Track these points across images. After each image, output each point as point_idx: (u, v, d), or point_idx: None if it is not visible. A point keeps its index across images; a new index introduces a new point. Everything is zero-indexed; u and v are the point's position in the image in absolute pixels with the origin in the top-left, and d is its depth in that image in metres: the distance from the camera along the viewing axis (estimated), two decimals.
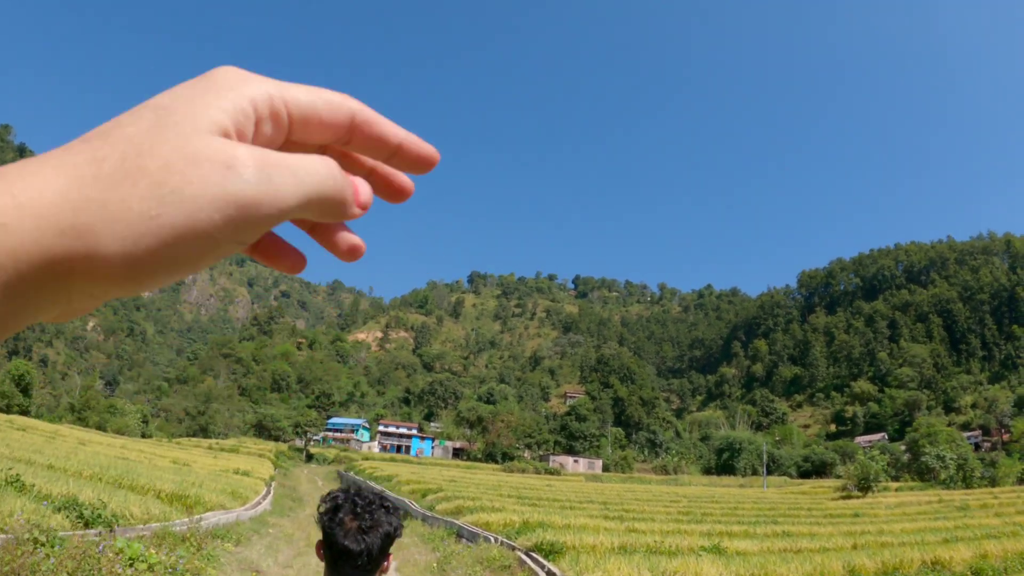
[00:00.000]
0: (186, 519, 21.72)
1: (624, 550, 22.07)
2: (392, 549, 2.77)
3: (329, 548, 2.82)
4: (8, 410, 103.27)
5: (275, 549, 23.64)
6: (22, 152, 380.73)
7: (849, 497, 73.98)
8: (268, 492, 47.28)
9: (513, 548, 23.12)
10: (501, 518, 30.20)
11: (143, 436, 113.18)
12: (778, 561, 21.00)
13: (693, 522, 36.84)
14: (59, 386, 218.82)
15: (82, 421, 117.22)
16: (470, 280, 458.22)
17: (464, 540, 28.68)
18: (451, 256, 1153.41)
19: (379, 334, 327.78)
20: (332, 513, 2.84)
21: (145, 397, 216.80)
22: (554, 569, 18.57)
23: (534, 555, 21.58)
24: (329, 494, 2.98)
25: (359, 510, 2.82)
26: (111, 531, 16.46)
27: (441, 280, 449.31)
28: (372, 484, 59.99)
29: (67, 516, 16.29)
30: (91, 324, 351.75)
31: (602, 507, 45.04)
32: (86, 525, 16.39)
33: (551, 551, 21.56)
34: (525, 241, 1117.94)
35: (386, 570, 2.94)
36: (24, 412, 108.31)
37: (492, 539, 25.92)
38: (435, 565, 20.75)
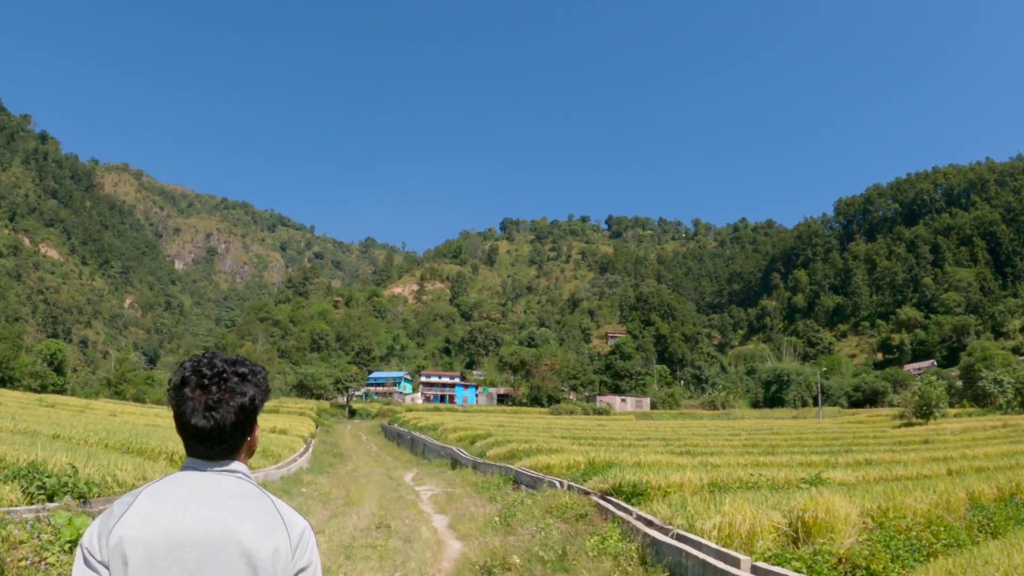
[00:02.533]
0: None
1: (716, 487, 18.45)
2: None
3: (179, 428, 2.67)
4: (43, 390, 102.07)
5: (306, 511, 20.26)
6: (44, 139, 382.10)
7: (911, 424, 71.20)
8: (306, 449, 45.03)
9: (586, 493, 19.54)
10: (562, 460, 26.65)
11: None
12: (897, 490, 17.39)
13: (766, 454, 33.46)
14: (100, 365, 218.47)
15: (119, 395, 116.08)
16: (503, 227, 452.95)
17: (524, 487, 25.25)
18: (482, 205, 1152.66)
19: (415, 287, 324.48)
20: (178, 388, 2.66)
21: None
22: (647, 515, 14.96)
23: (612, 499, 18.04)
24: (179, 364, 2.75)
25: (207, 381, 2.65)
26: (84, 503, 13.17)
27: (473, 229, 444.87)
28: (417, 434, 57.34)
29: (22, 486, 12.87)
30: (128, 301, 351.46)
31: (664, 443, 41.66)
32: (50, 498, 13.00)
33: (633, 493, 18.01)
34: (556, 185, 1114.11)
35: (252, 446, 2.83)
36: (60, 391, 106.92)
37: (558, 484, 22.38)
38: (497, 519, 17.24)
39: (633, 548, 12.50)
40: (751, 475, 20.29)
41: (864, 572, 11.29)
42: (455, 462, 40.02)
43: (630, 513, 15.70)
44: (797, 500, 13.84)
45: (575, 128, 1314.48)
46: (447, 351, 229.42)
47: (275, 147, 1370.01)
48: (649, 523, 14.16)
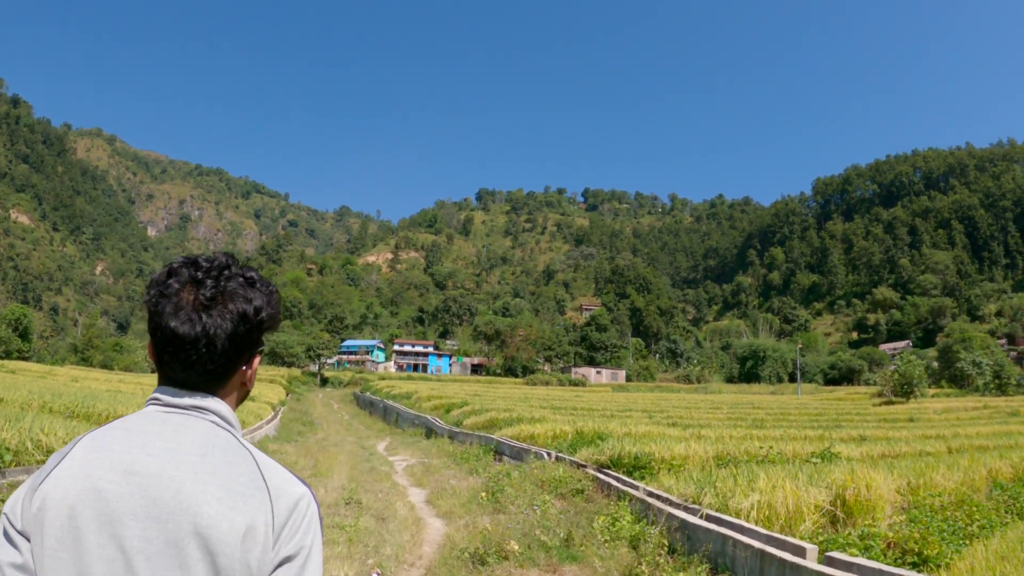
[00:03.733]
0: None
1: (725, 461, 16.60)
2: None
3: (152, 342, 1.99)
4: (7, 356, 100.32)
5: None
6: (15, 103, 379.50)
7: (891, 403, 70.70)
8: (274, 417, 43.24)
9: (580, 466, 17.58)
10: (547, 429, 24.80)
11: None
12: (924, 467, 15.71)
13: (755, 428, 31.93)
14: (70, 333, 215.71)
15: (86, 361, 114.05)
16: (478, 197, 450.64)
17: (507, 458, 23.35)
18: (458, 175, 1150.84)
19: (389, 255, 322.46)
20: (161, 282, 1.98)
21: None
22: (660, 491, 13.02)
23: (612, 472, 16.10)
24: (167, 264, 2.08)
25: (201, 275, 1.98)
26: None
27: (449, 199, 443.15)
28: (390, 402, 55.92)
29: None
30: (99, 268, 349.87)
31: (647, 415, 40.03)
32: None
33: (635, 466, 16.09)
34: (532, 157, 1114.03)
35: (247, 385, 2.11)
36: (24, 357, 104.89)
37: (545, 455, 20.44)
38: (483, 495, 15.17)
39: (655, 532, 10.43)
40: (760, 448, 18.42)
41: (915, 558, 9.69)
42: (430, 431, 38.20)
43: (636, 488, 13.74)
44: (835, 475, 12.03)
45: (553, 100, 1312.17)
46: (421, 320, 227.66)
47: (250, 113, 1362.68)
48: (667, 501, 12.19)
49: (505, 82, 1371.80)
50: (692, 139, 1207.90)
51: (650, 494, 13.01)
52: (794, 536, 9.82)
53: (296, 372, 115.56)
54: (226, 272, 2.00)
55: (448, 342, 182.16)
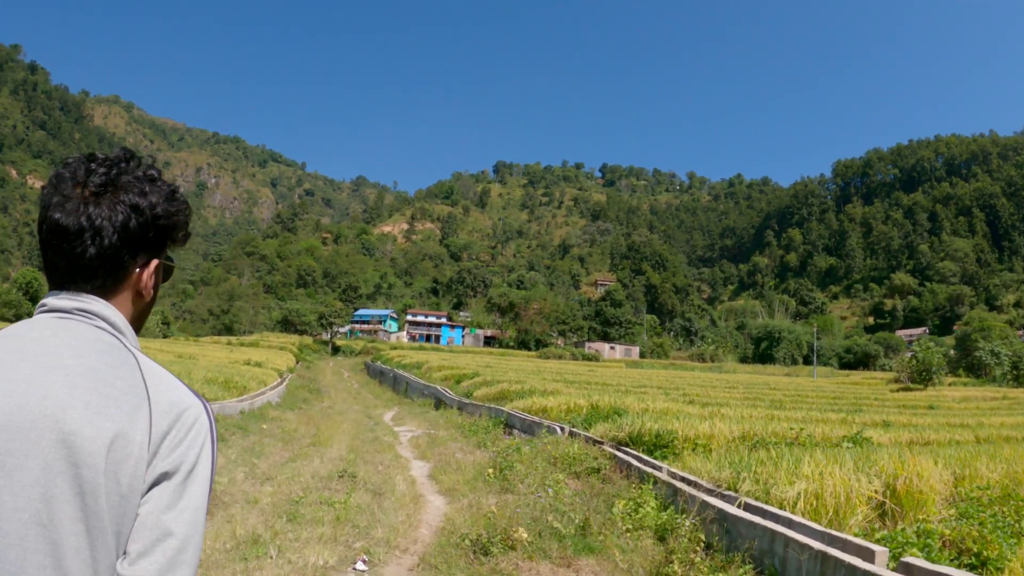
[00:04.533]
0: None
1: (749, 442, 15.28)
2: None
3: (39, 233, 1.84)
4: (19, 318, 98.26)
5: (256, 452, 17.09)
6: (33, 70, 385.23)
7: (908, 389, 68.67)
8: (280, 383, 42.41)
9: (597, 442, 16.26)
10: (560, 403, 23.53)
11: (164, 337, 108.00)
12: (969, 456, 14.35)
13: (774, 408, 30.59)
14: None
15: None
16: (496, 170, 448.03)
17: (517, 432, 22.10)
18: (476, 147, 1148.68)
19: (405, 226, 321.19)
20: (53, 177, 1.83)
21: (169, 300, 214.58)
22: (686, 474, 11.68)
23: (631, 450, 14.80)
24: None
25: (94, 166, 1.81)
26: None
27: (466, 171, 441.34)
28: (400, 372, 55.04)
29: None
30: None
31: (663, 392, 38.67)
32: None
33: (656, 445, 14.78)
34: (551, 131, 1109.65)
35: (143, 292, 1.89)
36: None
37: (558, 429, 19.15)
38: (490, 471, 13.81)
39: (686, 523, 9.07)
40: (790, 429, 17.07)
41: (973, 559, 8.37)
42: (439, 402, 37.04)
43: (659, 469, 12.36)
44: (882, 462, 10.69)
45: (572, 74, 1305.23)
46: (435, 291, 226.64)
47: (268, 82, 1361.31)
48: (695, 486, 10.81)
49: (525, 55, 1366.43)
50: (711, 118, 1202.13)
51: (676, 476, 11.59)
52: (844, 531, 8.49)
53: (307, 340, 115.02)
54: (122, 165, 1.85)
55: (462, 314, 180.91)
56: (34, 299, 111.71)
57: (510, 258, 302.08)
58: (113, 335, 1.78)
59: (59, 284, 1.81)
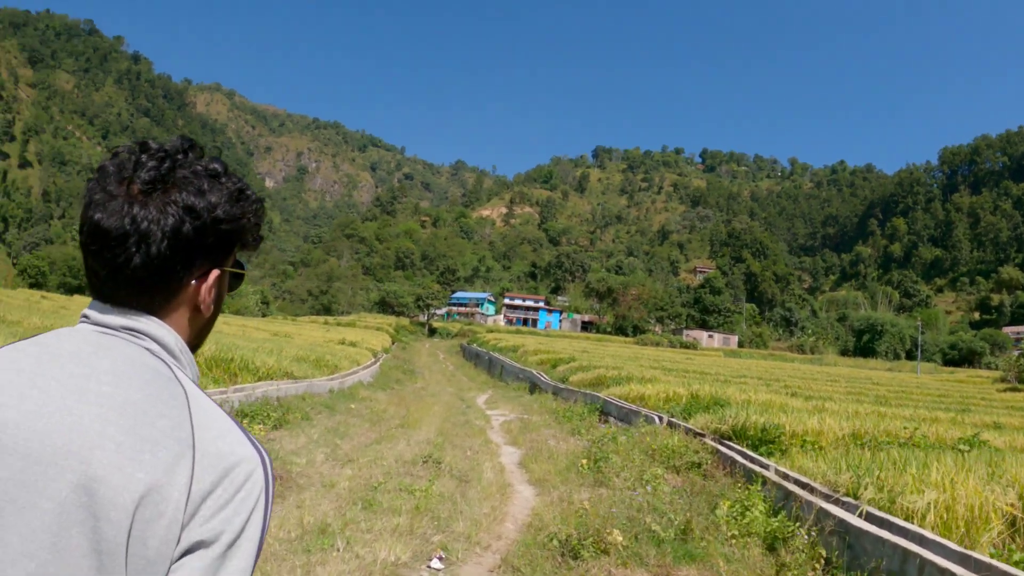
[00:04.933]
0: None
1: (860, 441, 14.05)
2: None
3: (80, 235, 1.50)
4: None
5: (340, 433, 16.46)
6: (136, 60, 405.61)
7: (1015, 390, 65.05)
8: (373, 363, 42.20)
9: (698, 435, 15.19)
10: (658, 391, 22.47)
11: (263, 316, 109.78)
12: None
13: (879, 404, 28.88)
14: None
15: None
16: (595, 155, 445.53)
17: (613, 419, 21.15)
18: (575, 132, 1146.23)
19: (503, 210, 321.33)
20: (99, 170, 1.50)
21: (269, 281, 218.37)
22: (795, 474, 10.57)
23: (734, 445, 13.72)
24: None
25: (144, 158, 1.48)
26: None
27: (565, 155, 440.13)
28: (496, 355, 54.57)
29: None
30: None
31: (764, 383, 37.12)
32: None
33: (762, 440, 13.68)
34: (650, 115, 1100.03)
35: (200, 306, 1.53)
36: None
37: (656, 419, 18.16)
38: (584, 462, 12.92)
39: (801, 532, 7.97)
40: (904, 428, 15.73)
41: None
42: (534, 386, 36.31)
43: (766, 468, 11.27)
44: (1012, 471, 9.43)
45: (673, 58, 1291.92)
46: (533, 275, 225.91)
47: (368, 68, 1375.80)
48: (808, 488, 9.64)
49: (625, 38, 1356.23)
50: (813, 103, 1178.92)
51: (787, 477, 10.45)
52: (977, 549, 7.33)
53: (404, 321, 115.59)
54: (179, 157, 1.51)
55: (559, 298, 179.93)
56: None
57: (609, 243, 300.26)
58: (163, 361, 1.46)
59: (102, 295, 1.50)
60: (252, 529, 1.34)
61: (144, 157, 1.48)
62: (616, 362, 40.82)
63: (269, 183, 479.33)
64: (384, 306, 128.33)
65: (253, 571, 1.33)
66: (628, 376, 28.36)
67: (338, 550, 7.43)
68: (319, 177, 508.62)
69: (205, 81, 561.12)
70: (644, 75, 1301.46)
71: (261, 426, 15.06)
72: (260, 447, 1.41)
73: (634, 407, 20.57)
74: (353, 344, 49.38)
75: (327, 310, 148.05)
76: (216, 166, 1.55)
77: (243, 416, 15.28)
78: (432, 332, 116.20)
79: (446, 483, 11.39)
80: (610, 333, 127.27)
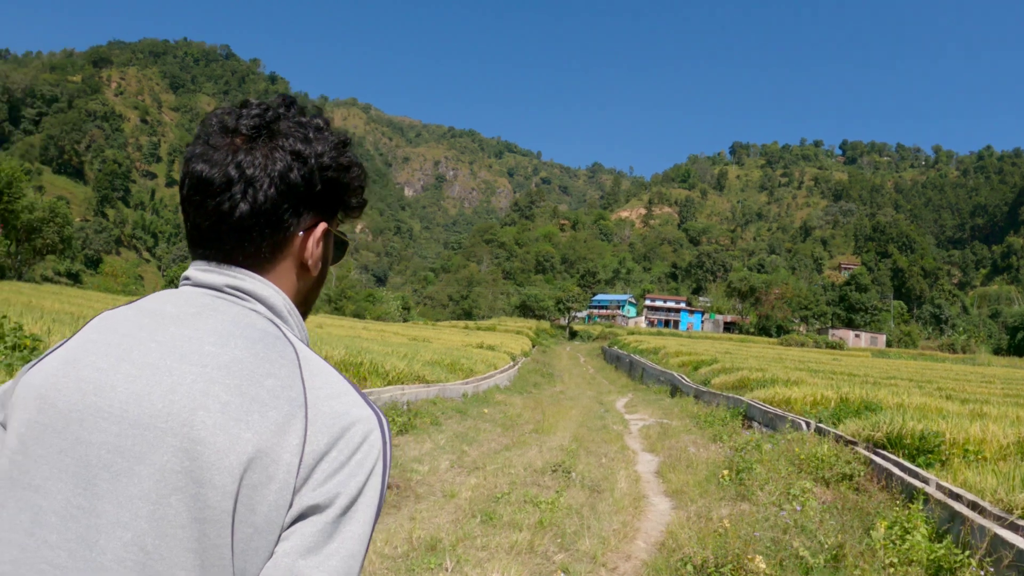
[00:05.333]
0: None
1: None
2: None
3: (180, 191, 1.45)
4: None
5: (469, 439, 15.91)
6: (273, 80, 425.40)
7: None
8: (511, 367, 41.83)
9: (849, 443, 13.94)
10: (805, 394, 21.17)
11: (404, 321, 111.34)
12: None
13: None
14: (328, 285, 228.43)
15: (338, 311, 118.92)
16: (732, 151, 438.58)
17: (757, 424, 20.07)
18: (711, 128, 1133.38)
19: (642, 211, 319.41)
20: (201, 129, 1.45)
21: (411, 287, 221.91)
22: (962, 491, 9.38)
23: (889, 455, 12.48)
24: None
25: (246, 111, 1.43)
26: None
27: (702, 153, 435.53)
28: (636, 357, 53.85)
29: None
30: (360, 227, 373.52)
31: (916, 385, 35.03)
32: None
33: (920, 450, 12.41)
34: (787, 108, 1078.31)
35: (311, 258, 1.47)
36: None
37: (803, 424, 16.97)
38: (725, 473, 11.92)
39: (970, 561, 6.73)
40: None
41: None
42: (675, 389, 35.25)
43: (926, 482, 10.03)
44: None
45: (808, 50, 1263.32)
46: (673, 276, 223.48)
47: (501, 75, 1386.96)
48: (976, 508, 8.42)
49: (760, 32, 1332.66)
50: (956, 87, 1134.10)
51: (950, 494, 9.10)
52: None
53: (544, 324, 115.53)
54: (281, 111, 1.46)
55: (701, 299, 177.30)
56: None
57: (750, 241, 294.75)
58: (271, 320, 1.39)
59: (204, 252, 1.42)
60: (370, 493, 1.26)
61: (245, 111, 1.43)
62: (759, 363, 39.42)
63: (408, 192, 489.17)
64: (524, 310, 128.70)
65: (370, 538, 1.25)
66: (772, 378, 27.13)
67: (446, 570, 6.79)
68: (457, 185, 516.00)
69: (341, 97, 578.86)
70: (779, 68, 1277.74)
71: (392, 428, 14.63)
72: (377, 409, 1.33)
73: (779, 411, 19.46)
74: (491, 348, 49.25)
75: (468, 315, 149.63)
76: (319, 120, 1.50)
77: None
78: (573, 335, 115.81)
79: (576, 494, 10.67)
80: (753, 334, 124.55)
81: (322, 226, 1.46)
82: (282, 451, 1.19)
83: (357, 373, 20.58)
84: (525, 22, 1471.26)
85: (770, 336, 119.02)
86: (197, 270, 1.42)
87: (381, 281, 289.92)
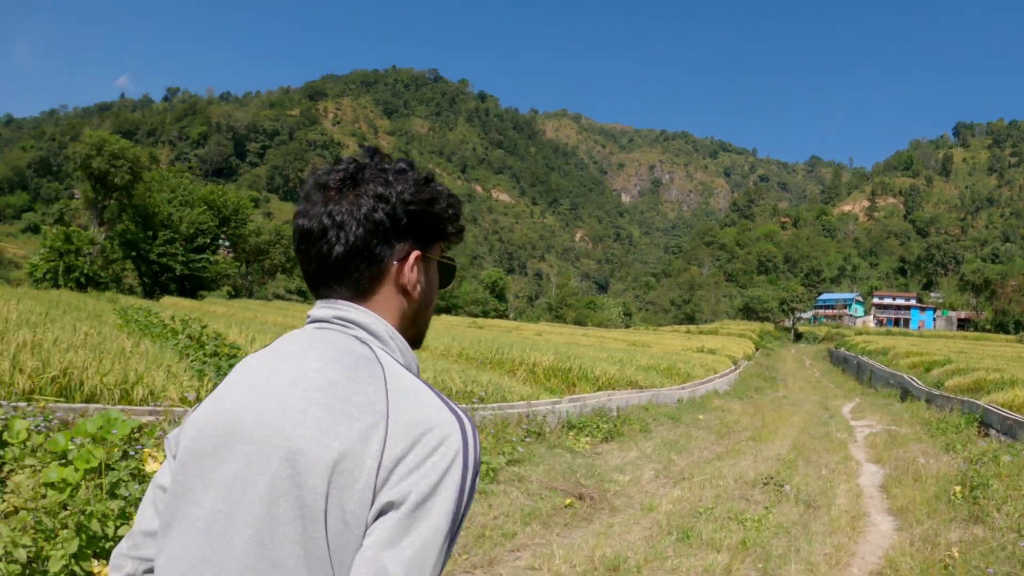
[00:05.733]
0: (524, 403, 14.93)
1: None
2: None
3: (293, 243, 1.76)
4: (485, 315, 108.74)
5: (679, 446, 15.38)
6: (483, 98, 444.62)
7: None
8: (732, 371, 40.93)
9: None
10: None
11: (626, 327, 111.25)
12: None
13: None
14: (548, 294, 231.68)
15: (559, 318, 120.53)
16: (955, 132, 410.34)
17: (995, 432, 18.57)
18: (930, 109, 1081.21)
19: (865, 203, 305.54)
20: (301, 190, 1.73)
21: (632, 293, 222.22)
22: None
23: None
24: None
25: (335, 168, 1.67)
26: None
27: (923, 137, 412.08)
28: (864, 359, 52.17)
29: None
30: (578, 235, 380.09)
31: None
32: None
33: None
34: (1013, 80, 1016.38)
35: (411, 284, 1.68)
36: (501, 315, 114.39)
37: None
38: (957, 489, 10.74)
39: None
40: None
41: None
42: (905, 392, 33.32)
43: None
44: None
45: None
46: (902, 271, 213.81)
47: (710, 77, 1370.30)
48: None
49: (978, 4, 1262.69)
50: None
51: None
52: None
53: (768, 327, 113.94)
54: (366, 162, 1.70)
55: (932, 294, 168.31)
56: (500, 296, 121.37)
57: (981, 230, 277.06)
58: (366, 344, 1.62)
59: (318, 292, 1.71)
60: (445, 492, 1.41)
61: (335, 168, 1.66)
62: (996, 363, 36.79)
63: (625, 198, 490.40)
64: (748, 312, 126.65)
65: (451, 537, 1.42)
66: (1011, 380, 25.13)
67: None
68: (673, 188, 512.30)
69: (551, 109, 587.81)
70: (1001, 38, 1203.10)
71: (588, 438, 14.19)
72: (462, 415, 1.52)
73: (1019, 417, 17.89)
74: (712, 352, 48.29)
75: (690, 319, 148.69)
76: (402, 164, 1.71)
77: (570, 428, 14.58)
78: (798, 337, 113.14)
79: (788, 510, 9.88)
80: (989, 331, 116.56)
81: (415, 254, 1.66)
82: (365, 456, 1.41)
83: (565, 379, 20.47)
84: (728, 21, 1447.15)
85: (1008, 332, 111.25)
86: (315, 308, 1.69)
87: (602, 288, 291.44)
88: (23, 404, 7.63)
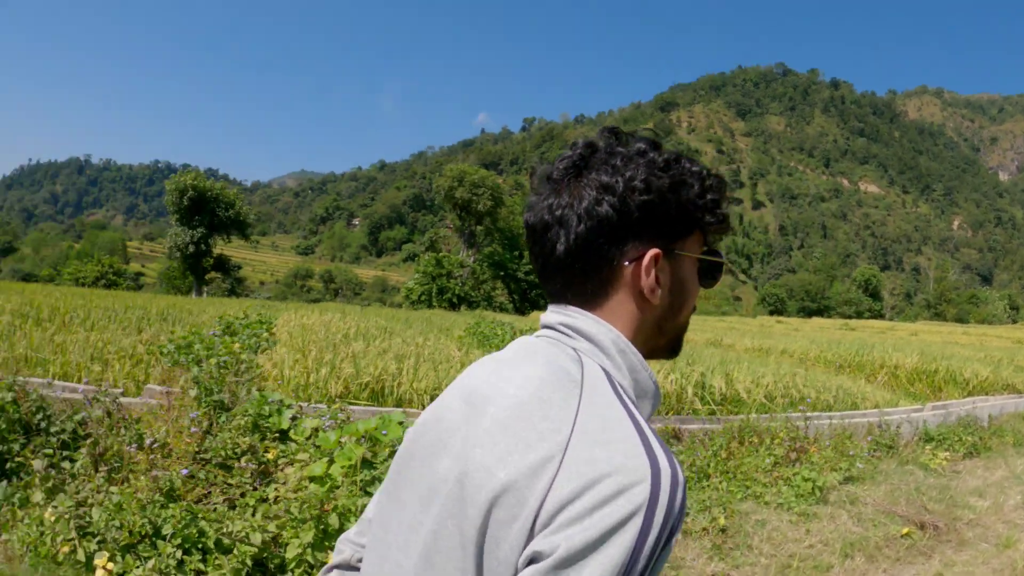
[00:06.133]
0: (873, 410, 13.75)
1: None
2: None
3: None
4: (858, 315, 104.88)
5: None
6: (836, 86, 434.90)
7: None
8: None
9: None
10: None
11: (1013, 323, 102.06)
12: None
13: None
14: (926, 290, 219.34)
15: (938, 316, 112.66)
16: None
17: None
18: None
19: None
20: (529, 179, 1.59)
21: (1019, 284, 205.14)
22: None
23: None
24: None
25: (564, 153, 1.48)
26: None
27: None
28: None
29: None
30: (956, 222, 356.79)
31: None
32: None
33: None
34: None
35: (648, 287, 1.39)
36: (877, 316, 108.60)
37: None
38: None
39: None
40: None
41: None
42: None
43: None
44: None
45: None
46: None
47: None
48: None
49: None
50: None
51: None
52: None
53: None
54: (598, 145, 1.44)
55: None
56: (874, 295, 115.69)
57: None
58: (579, 360, 1.38)
59: (548, 293, 1.50)
60: (605, 555, 1.12)
61: (561, 156, 1.45)
62: None
63: (1003, 176, 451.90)
64: None
65: None
66: None
67: None
68: None
69: (909, 87, 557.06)
70: None
71: (947, 453, 12.23)
72: (663, 461, 1.20)
73: None
74: None
75: None
76: (640, 145, 1.43)
77: (928, 440, 12.58)
78: None
79: None
80: None
81: (651, 253, 1.38)
82: (529, 493, 1.18)
83: (931, 382, 18.89)
84: None
85: None
86: (546, 312, 1.50)
87: (986, 280, 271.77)
88: (322, 405, 8.05)
